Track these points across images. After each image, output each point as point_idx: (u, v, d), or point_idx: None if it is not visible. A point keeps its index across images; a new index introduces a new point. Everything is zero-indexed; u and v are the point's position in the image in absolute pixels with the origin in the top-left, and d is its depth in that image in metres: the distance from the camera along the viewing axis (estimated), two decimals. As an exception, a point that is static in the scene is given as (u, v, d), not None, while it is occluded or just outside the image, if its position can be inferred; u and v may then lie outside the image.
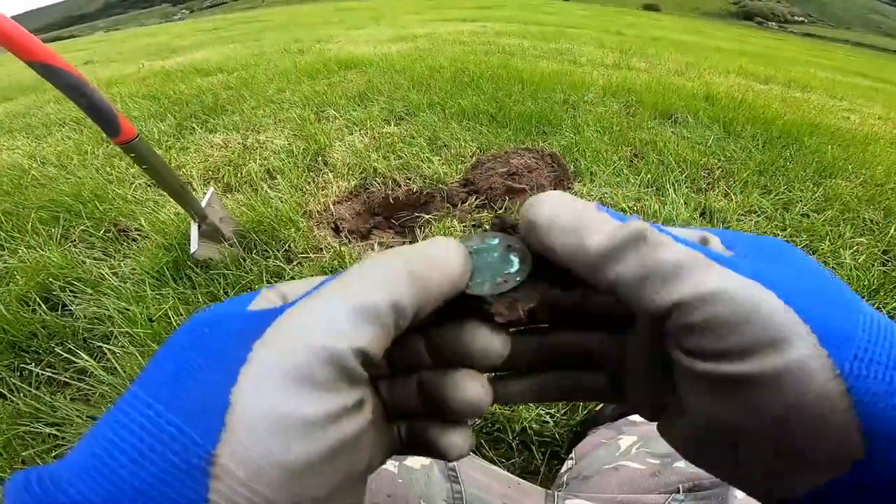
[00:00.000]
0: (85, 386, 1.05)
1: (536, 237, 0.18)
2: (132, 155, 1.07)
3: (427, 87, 2.97)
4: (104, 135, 1.03)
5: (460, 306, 0.19)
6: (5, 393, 1.04)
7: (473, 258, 0.19)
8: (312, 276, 0.65)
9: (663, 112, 2.70)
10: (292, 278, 1.02)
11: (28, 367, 1.10)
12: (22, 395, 1.02)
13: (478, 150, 2.08)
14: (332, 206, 1.70)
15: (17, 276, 1.34)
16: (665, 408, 0.20)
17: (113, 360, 1.08)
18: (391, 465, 0.46)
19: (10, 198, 1.79)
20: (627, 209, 1.71)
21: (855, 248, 1.59)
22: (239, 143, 2.24)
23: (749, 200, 1.82)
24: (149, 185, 1.84)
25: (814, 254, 1.57)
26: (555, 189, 1.78)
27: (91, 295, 1.28)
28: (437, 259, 0.17)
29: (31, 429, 0.96)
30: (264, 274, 1.33)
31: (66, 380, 1.07)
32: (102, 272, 1.36)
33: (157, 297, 1.25)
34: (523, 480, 0.55)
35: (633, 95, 2.97)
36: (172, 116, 2.63)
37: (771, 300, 0.15)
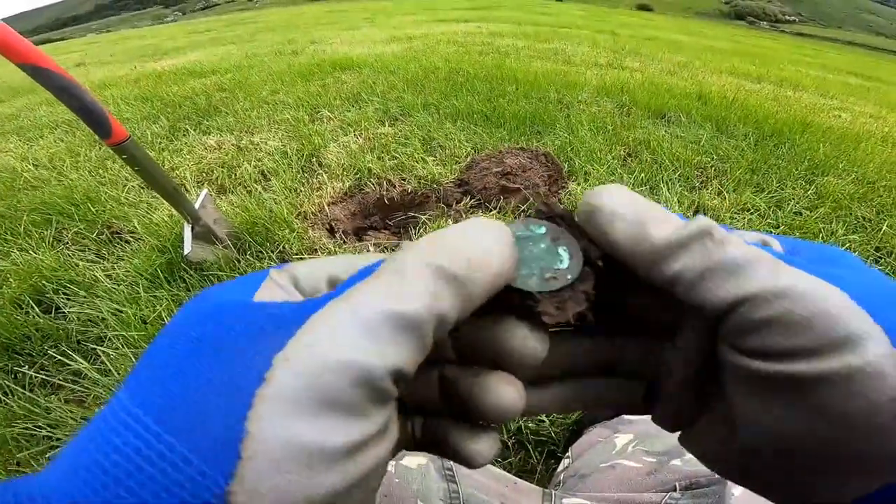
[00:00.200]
0: (79, 388, 1.05)
1: (597, 225, 0.17)
2: (124, 157, 1.07)
3: (421, 88, 2.97)
4: (96, 137, 1.03)
5: (498, 298, 0.16)
6: (-2, 396, 1.03)
7: (517, 246, 0.17)
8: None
9: (656, 111, 2.71)
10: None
11: (22, 369, 1.09)
12: (16, 397, 1.01)
13: (472, 151, 2.08)
14: (326, 207, 1.69)
15: (10, 279, 1.33)
16: (694, 419, 0.20)
17: (107, 362, 1.07)
18: (389, 464, 0.46)
19: (2, 201, 1.78)
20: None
21: (848, 245, 1.60)
22: (233, 145, 2.23)
23: (742, 198, 1.83)
24: (142, 187, 1.83)
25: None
26: (549, 188, 1.78)
27: (84, 297, 1.27)
28: (484, 254, 0.15)
29: (26, 431, 0.95)
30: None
31: (60, 382, 1.06)
32: (96, 274, 1.35)
33: (151, 299, 1.24)
34: (520, 480, 0.55)
35: (627, 95, 2.98)
36: (165, 118, 2.61)
37: (843, 299, 0.14)
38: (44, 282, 1.32)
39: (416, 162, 1.98)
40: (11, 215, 1.66)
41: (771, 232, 1.64)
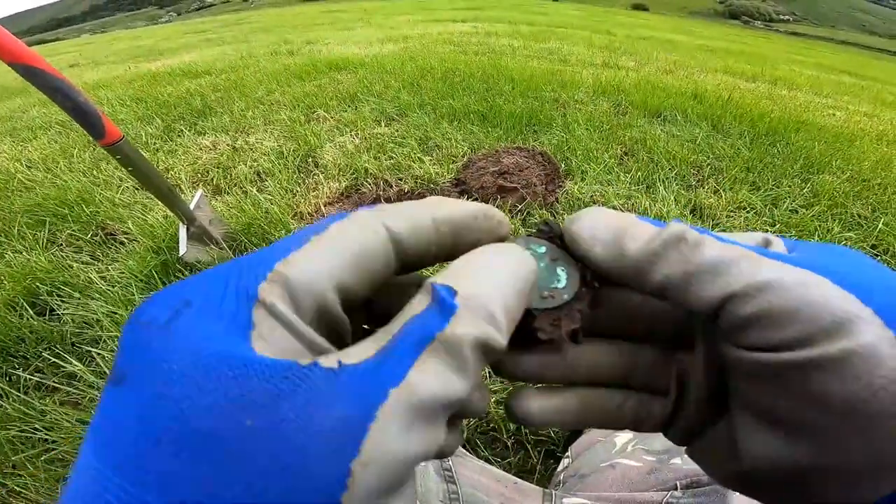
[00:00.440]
0: (74, 390, 1.04)
1: (579, 251, 0.18)
2: (118, 157, 1.06)
3: (418, 88, 2.97)
4: (90, 138, 1.02)
5: None
6: (-8, 400, 1.02)
7: None
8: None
9: (652, 110, 2.72)
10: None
11: (16, 371, 1.09)
12: (11, 400, 1.01)
13: (469, 150, 2.08)
14: (323, 208, 1.69)
15: (4, 281, 1.32)
16: (703, 430, 0.19)
17: (102, 365, 1.07)
18: None
19: (-6, 202, 1.76)
20: (618, 207, 1.71)
21: (844, 243, 1.61)
22: (228, 146, 2.22)
23: (738, 197, 1.83)
24: (136, 188, 1.82)
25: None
26: (546, 187, 1.78)
27: (79, 299, 1.26)
28: (517, 308, 0.15)
29: (21, 433, 0.95)
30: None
31: (55, 384, 1.06)
32: (90, 276, 1.34)
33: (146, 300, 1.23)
34: (520, 480, 0.54)
35: (623, 94, 2.99)
36: (160, 119, 2.60)
37: (827, 286, 0.15)
38: (38, 283, 1.30)
39: (413, 162, 1.97)
40: (5, 217, 1.65)
41: (767, 230, 1.64)
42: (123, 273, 1.34)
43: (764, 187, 1.92)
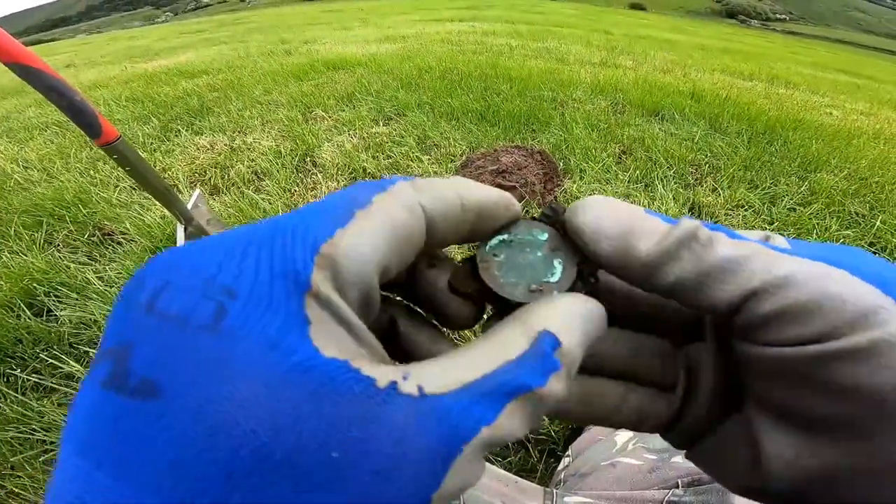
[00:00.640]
0: (72, 391, 1.04)
1: (583, 245, 0.17)
2: (115, 157, 1.05)
3: (416, 87, 2.97)
4: (87, 138, 1.02)
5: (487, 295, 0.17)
6: (-11, 401, 1.02)
7: (515, 250, 0.18)
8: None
9: (650, 109, 2.72)
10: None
11: (14, 372, 1.08)
12: (8, 401, 1.00)
13: (467, 149, 2.08)
14: (321, 207, 1.68)
15: (1, 282, 1.31)
16: (709, 431, 0.19)
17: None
18: None
19: (-9, 203, 1.76)
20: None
21: (842, 241, 1.61)
22: (225, 145, 2.21)
23: (736, 195, 1.83)
24: (133, 188, 1.81)
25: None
26: (545, 186, 1.78)
27: (76, 299, 1.26)
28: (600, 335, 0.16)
29: (19, 435, 0.94)
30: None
31: (53, 385, 1.05)
32: (87, 276, 1.33)
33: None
34: (521, 479, 0.54)
35: (621, 93, 2.99)
36: (157, 119, 2.59)
37: (847, 278, 0.14)
38: (35, 284, 1.30)
39: (412, 161, 1.97)
40: (1, 217, 1.64)
41: (766, 228, 1.65)
42: (121, 273, 1.34)
43: (762, 185, 1.93)
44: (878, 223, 1.69)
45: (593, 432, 0.72)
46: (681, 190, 1.86)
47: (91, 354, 1.10)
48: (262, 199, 1.67)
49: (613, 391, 0.19)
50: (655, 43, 6.86)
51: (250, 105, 2.79)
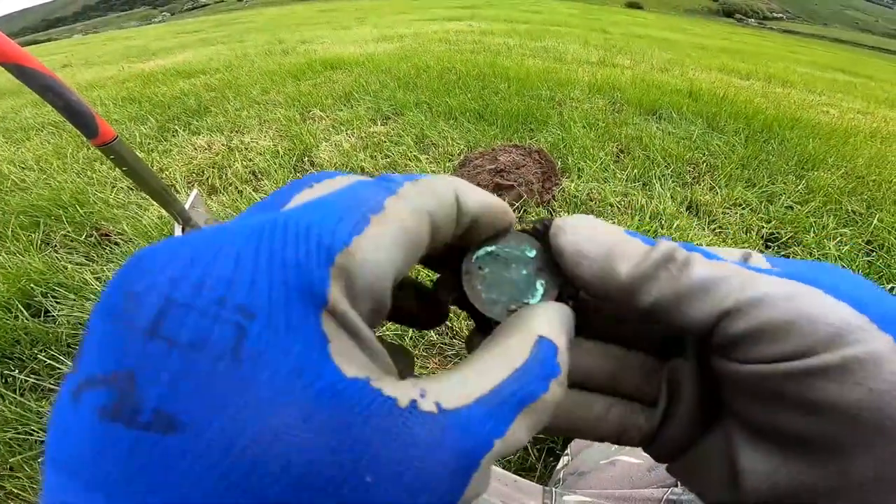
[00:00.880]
0: (69, 394, 1.03)
1: (564, 265, 0.17)
2: (112, 157, 1.05)
3: (414, 87, 2.96)
4: (84, 138, 1.01)
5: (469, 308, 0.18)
6: (-13, 402, 1.01)
7: (500, 264, 0.18)
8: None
9: (648, 108, 2.72)
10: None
11: (12, 373, 1.08)
12: (7, 402, 1.00)
13: (465, 148, 2.08)
14: (319, 207, 1.68)
15: (-3, 284, 1.31)
16: (691, 445, 0.19)
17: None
18: None
19: (-13, 204, 1.75)
20: (614, 204, 1.72)
21: (839, 238, 1.62)
22: (223, 145, 2.21)
23: (734, 194, 1.84)
24: (131, 189, 1.81)
25: (799, 245, 1.59)
26: (543, 185, 1.78)
27: (74, 300, 1.26)
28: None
29: (18, 435, 0.94)
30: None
31: (51, 386, 1.05)
32: (85, 277, 1.33)
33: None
34: (520, 478, 0.54)
35: (618, 92, 2.99)
36: (154, 119, 2.59)
37: (820, 297, 0.14)
38: (32, 285, 1.30)
39: (410, 160, 1.97)
40: (-2, 218, 1.64)
41: (763, 227, 1.65)
42: (118, 274, 1.33)
43: (759, 184, 1.93)
44: (875, 221, 1.70)
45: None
46: (678, 189, 1.86)
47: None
48: (261, 198, 1.67)
49: (597, 404, 0.19)
50: (653, 42, 6.86)
51: (248, 105, 2.79)
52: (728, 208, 1.77)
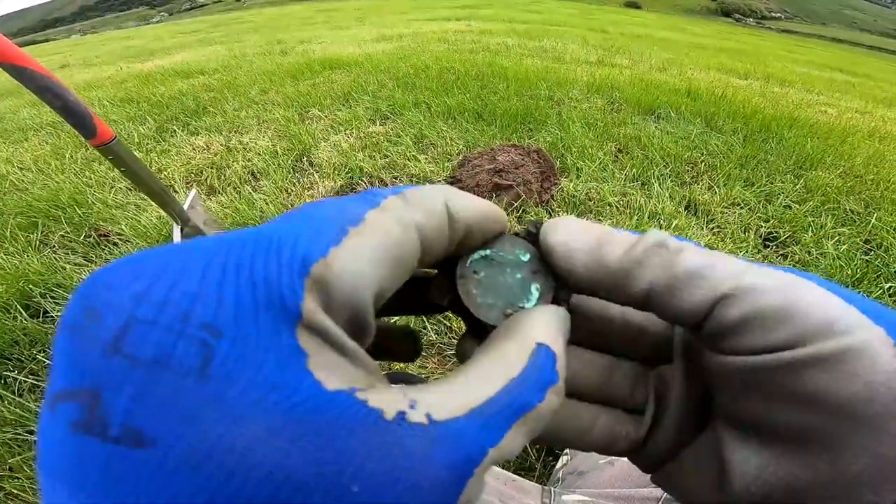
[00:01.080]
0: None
1: (556, 262, 0.17)
2: (110, 157, 1.05)
3: (412, 87, 2.96)
4: (82, 138, 1.01)
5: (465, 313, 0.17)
6: (-14, 403, 1.01)
7: (495, 268, 0.18)
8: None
9: (646, 108, 2.73)
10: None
11: (11, 374, 1.08)
12: (6, 402, 1.00)
13: (464, 148, 2.08)
14: (318, 207, 1.68)
15: (-5, 285, 1.31)
16: (678, 452, 0.18)
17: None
18: None
19: (-15, 204, 1.75)
20: (613, 204, 1.72)
21: (837, 237, 1.62)
22: (221, 145, 2.20)
23: (732, 193, 1.84)
24: (129, 189, 1.81)
25: (797, 244, 1.59)
26: (542, 185, 1.78)
27: (72, 302, 1.25)
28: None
29: (18, 436, 0.94)
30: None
31: (49, 388, 1.05)
32: (83, 278, 1.33)
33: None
34: (519, 477, 0.54)
35: (617, 92, 2.99)
36: (152, 119, 2.58)
37: (813, 289, 0.14)
38: (31, 286, 1.29)
39: (408, 160, 1.97)
40: (-4, 219, 1.63)
41: (761, 226, 1.65)
42: (117, 274, 1.33)
43: (758, 183, 1.93)
44: (873, 220, 1.70)
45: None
46: (677, 188, 1.86)
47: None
48: (259, 198, 1.67)
49: (585, 413, 0.19)
50: (652, 41, 6.87)
51: (246, 105, 2.78)
52: (726, 208, 1.77)
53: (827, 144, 2.40)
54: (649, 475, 0.20)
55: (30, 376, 1.08)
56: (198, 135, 2.37)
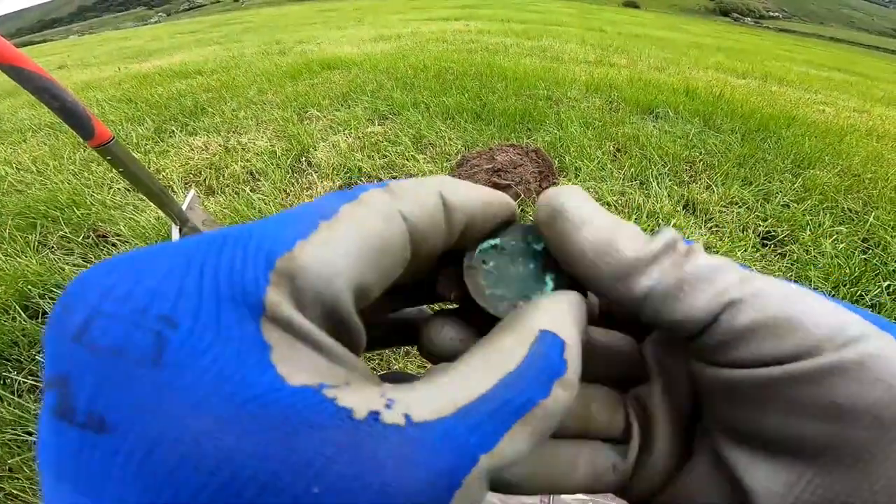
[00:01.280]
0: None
1: (560, 229, 0.15)
2: (108, 158, 1.05)
3: (411, 87, 2.96)
4: (80, 139, 1.01)
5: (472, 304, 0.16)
6: (-15, 404, 1.01)
7: (506, 258, 0.16)
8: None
9: (645, 107, 2.73)
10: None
11: (10, 375, 1.08)
12: (5, 403, 1.00)
13: (463, 148, 2.08)
14: (317, 207, 1.68)
15: (-6, 285, 1.31)
16: (668, 478, 0.17)
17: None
18: None
19: (-16, 205, 1.75)
20: (612, 203, 1.72)
21: (835, 236, 1.62)
22: (220, 146, 2.20)
23: (730, 192, 1.84)
24: (128, 190, 1.81)
25: (795, 243, 1.60)
26: (540, 184, 1.78)
27: (71, 302, 1.25)
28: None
29: (17, 437, 0.94)
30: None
31: (49, 388, 1.05)
32: (82, 279, 1.33)
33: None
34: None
35: (615, 91, 3.00)
36: (151, 120, 2.58)
37: (815, 297, 0.14)
38: (29, 287, 1.29)
39: (407, 160, 1.97)
40: (-6, 220, 1.63)
41: (760, 225, 1.66)
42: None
43: (756, 182, 1.94)
44: (871, 219, 1.71)
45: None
46: (675, 187, 1.86)
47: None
48: (258, 198, 1.67)
49: (564, 452, 0.17)
50: (650, 41, 6.87)
51: (245, 105, 2.78)
52: (724, 207, 1.78)
53: (825, 143, 2.40)
54: None
55: (29, 377, 1.08)
56: (196, 135, 2.37)
